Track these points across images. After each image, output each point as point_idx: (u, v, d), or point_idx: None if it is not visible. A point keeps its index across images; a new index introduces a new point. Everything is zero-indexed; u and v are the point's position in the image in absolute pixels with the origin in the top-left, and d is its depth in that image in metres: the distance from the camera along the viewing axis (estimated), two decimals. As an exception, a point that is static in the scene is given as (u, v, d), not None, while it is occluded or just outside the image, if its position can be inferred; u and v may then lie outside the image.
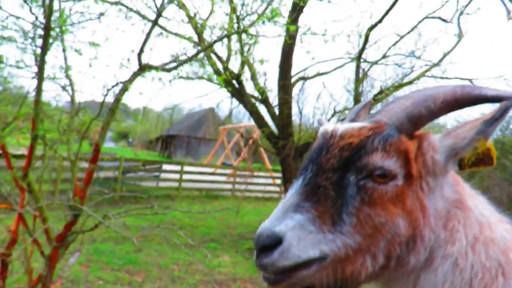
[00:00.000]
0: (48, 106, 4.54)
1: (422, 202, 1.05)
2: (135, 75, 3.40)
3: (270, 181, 18.30)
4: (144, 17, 4.76)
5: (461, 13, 9.12)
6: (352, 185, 1.03)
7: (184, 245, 4.21)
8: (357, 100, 9.19)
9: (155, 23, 3.44)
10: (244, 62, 9.57)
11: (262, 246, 0.95)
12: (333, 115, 10.06)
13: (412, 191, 1.05)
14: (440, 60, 8.62)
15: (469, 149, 1.05)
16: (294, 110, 11.41)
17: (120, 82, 3.35)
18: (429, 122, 1.09)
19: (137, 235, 4.71)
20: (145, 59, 3.81)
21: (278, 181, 18.40)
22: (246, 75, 11.01)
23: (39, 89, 3.91)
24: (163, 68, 3.75)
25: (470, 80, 7.58)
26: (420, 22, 9.41)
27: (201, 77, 11.92)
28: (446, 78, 8.63)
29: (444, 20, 9.31)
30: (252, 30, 4.40)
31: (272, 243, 0.94)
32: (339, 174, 1.04)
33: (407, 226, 1.02)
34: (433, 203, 1.07)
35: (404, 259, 1.04)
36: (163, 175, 17.16)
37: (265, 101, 11.72)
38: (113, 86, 3.35)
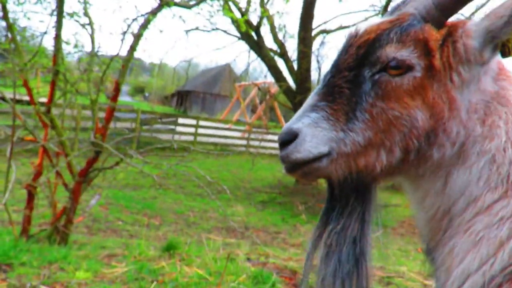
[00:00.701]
0: (68, 44, 4.50)
1: (450, 94, 1.00)
2: (156, 9, 3.30)
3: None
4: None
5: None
6: (366, 80, 1.02)
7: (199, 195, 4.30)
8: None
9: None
10: (264, 10, 9.22)
11: (282, 141, 1.02)
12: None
13: (438, 83, 1.00)
14: (472, 14, 8.15)
15: (508, 30, 0.94)
16: (313, 65, 11.17)
17: (142, 15, 3.27)
18: (461, 8, 1.01)
19: (156, 173, 4.83)
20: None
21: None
22: (265, 28, 10.71)
23: (59, 24, 3.87)
24: (184, 4, 3.63)
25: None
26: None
27: (217, 28, 11.63)
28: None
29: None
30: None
31: (289, 138, 1.01)
32: (354, 72, 1.03)
33: (426, 119, 0.99)
34: (467, 95, 1.01)
35: (426, 153, 1.02)
36: (179, 129, 17.35)
37: (283, 54, 11.46)
38: (134, 20, 3.27)
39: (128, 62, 3.77)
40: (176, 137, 16.84)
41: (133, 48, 3.59)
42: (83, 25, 4.39)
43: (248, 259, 4.08)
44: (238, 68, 38.43)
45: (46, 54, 4.97)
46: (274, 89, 16.17)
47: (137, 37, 3.46)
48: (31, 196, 4.01)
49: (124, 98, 47.22)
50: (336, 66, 1.06)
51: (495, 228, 0.94)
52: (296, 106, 10.48)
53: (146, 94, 53.87)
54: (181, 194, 9.79)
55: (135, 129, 14.51)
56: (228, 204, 9.28)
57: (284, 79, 11.13)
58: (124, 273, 3.30)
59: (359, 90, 1.02)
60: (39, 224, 5.75)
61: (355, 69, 1.03)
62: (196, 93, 40.41)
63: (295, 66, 11.08)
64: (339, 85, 1.03)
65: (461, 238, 1.00)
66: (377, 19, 1.09)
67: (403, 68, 1.00)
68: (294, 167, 1.04)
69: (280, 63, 11.41)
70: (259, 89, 13.15)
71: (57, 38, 3.83)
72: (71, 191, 3.96)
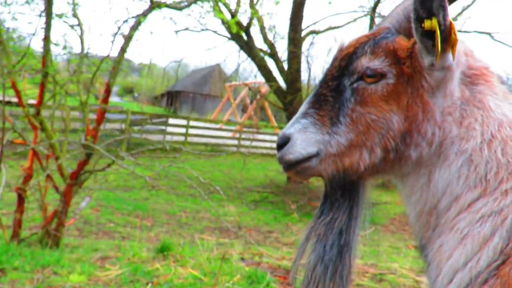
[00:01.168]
0: (57, 45, 4.46)
1: (423, 99, 1.08)
2: (147, 11, 3.30)
3: (276, 138, 18.35)
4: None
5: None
6: (347, 88, 1.15)
7: (191, 194, 4.30)
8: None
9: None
10: (254, 11, 9.23)
11: (278, 145, 1.18)
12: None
13: (411, 88, 1.09)
14: (459, 14, 8.29)
15: (417, 38, 1.03)
16: (304, 66, 11.22)
17: (132, 17, 3.25)
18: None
19: (148, 175, 4.81)
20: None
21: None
22: (255, 28, 10.73)
23: (47, 25, 3.83)
24: (174, 6, 3.62)
25: (489, 33, 7.32)
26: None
27: (207, 29, 11.60)
28: (465, 31, 8.33)
29: (466, -28, 8.83)
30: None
31: (283, 142, 1.16)
32: (337, 82, 1.16)
33: (401, 121, 1.09)
34: (440, 99, 1.08)
35: (404, 152, 1.11)
36: (169, 129, 17.26)
37: (274, 55, 11.49)
38: (124, 21, 3.26)
39: (118, 64, 3.75)
40: (167, 137, 16.75)
41: (123, 49, 3.57)
42: (72, 26, 4.36)
43: (242, 259, 4.10)
44: (228, 68, 38.45)
45: (34, 55, 4.91)
46: (265, 89, 16.20)
47: (128, 39, 3.44)
48: (21, 200, 3.96)
49: (113, 99, 46.77)
50: (324, 78, 1.20)
51: (478, 226, 1.00)
52: (286, 106, 10.52)
53: (136, 95, 53.42)
54: (173, 195, 9.74)
55: (126, 130, 14.38)
56: (220, 204, 9.27)
57: (274, 79, 11.16)
58: (118, 276, 3.28)
59: (341, 98, 1.15)
60: (29, 228, 5.68)
61: (337, 79, 1.16)
62: (186, 93, 40.22)
63: (285, 66, 11.11)
64: (325, 94, 1.17)
65: (447, 235, 1.05)
66: (357, 35, 1.21)
67: (377, 76, 1.11)
68: (289, 166, 1.18)
69: (270, 63, 11.44)
70: (249, 89, 13.15)
71: (46, 39, 3.79)
72: (62, 194, 3.93)
